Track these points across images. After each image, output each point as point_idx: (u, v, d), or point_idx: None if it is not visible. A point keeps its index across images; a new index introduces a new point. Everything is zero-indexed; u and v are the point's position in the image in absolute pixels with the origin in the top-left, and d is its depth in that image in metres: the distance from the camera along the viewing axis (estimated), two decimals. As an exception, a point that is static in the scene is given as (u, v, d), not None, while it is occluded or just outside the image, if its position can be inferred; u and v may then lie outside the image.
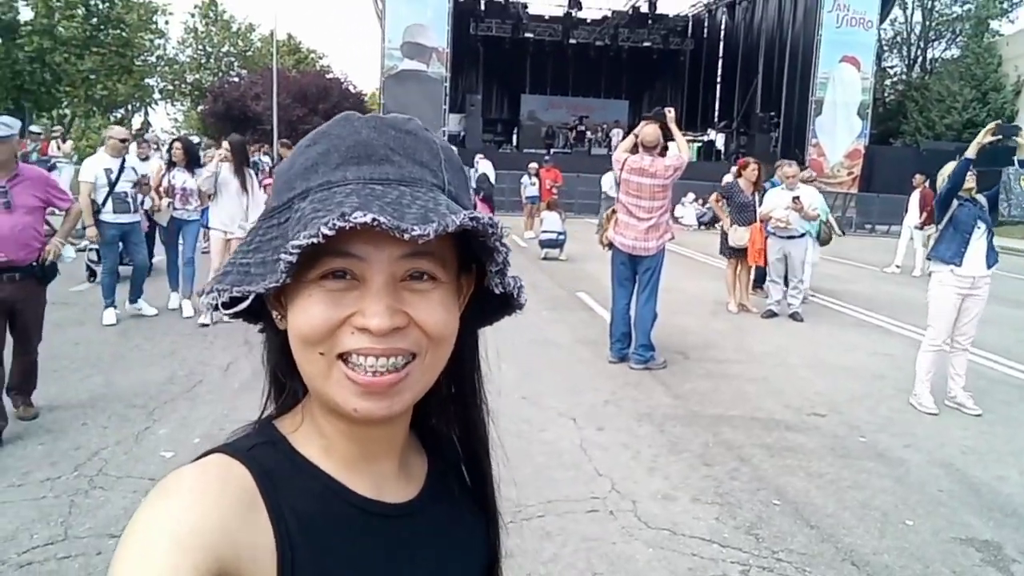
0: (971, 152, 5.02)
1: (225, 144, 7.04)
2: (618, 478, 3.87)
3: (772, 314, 8.26)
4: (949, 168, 5.13)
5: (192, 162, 7.21)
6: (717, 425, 4.73)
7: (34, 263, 4.03)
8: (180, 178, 7.12)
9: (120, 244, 6.59)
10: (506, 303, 0.67)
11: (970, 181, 5.09)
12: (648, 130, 5.94)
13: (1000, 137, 4.95)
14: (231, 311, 0.58)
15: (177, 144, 7.38)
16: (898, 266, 13.03)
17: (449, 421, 0.76)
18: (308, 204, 0.55)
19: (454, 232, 0.53)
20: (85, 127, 38.63)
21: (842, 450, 4.41)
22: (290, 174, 0.60)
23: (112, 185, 6.36)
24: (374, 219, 0.50)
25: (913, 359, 6.65)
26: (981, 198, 5.12)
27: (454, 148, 0.66)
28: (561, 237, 12.28)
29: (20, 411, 4.19)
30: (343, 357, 0.57)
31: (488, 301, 0.67)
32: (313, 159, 0.59)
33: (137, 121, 43.33)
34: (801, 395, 5.43)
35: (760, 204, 8.28)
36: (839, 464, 4.20)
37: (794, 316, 8.16)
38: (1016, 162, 5.00)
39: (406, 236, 0.51)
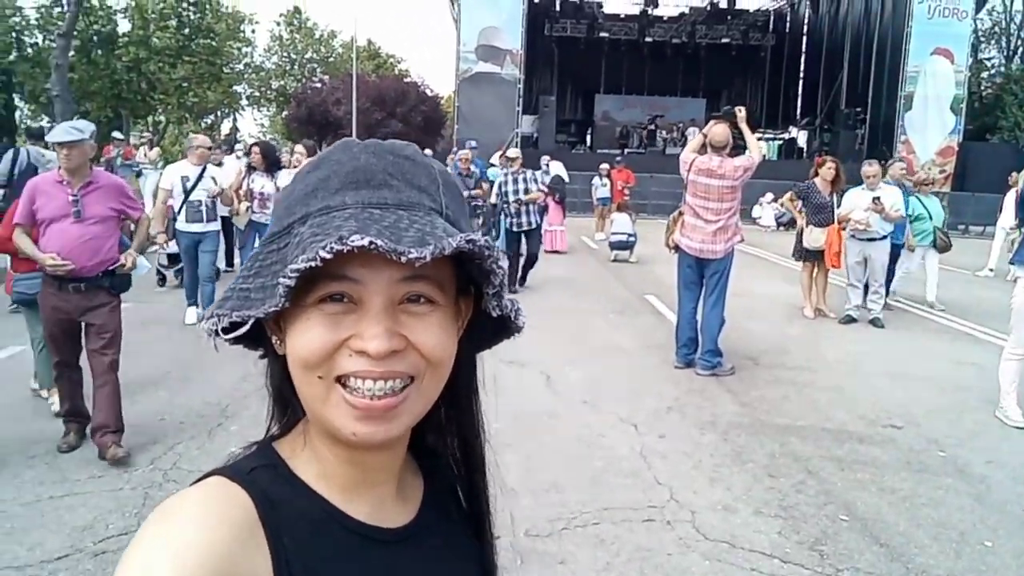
0: None
1: (299, 148, 7.26)
2: (678, 487, 3.81)
3: (851, 320, 7.94)
4: None
5: (272, 166, 7.40)
6: (785, 435, 4.59)
7: (101, 273, 3.85)
8: (259, 182, 7.36)
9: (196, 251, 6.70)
10: (504, 326, 0.66)
11: None
12: (717, 130, 5.81)
13: None
14: (231, 336, 0.59)
15: (255, 148, 7.66)
16: (991, 269, 12.33)
17: (446, 443, 0.76)
18: (307, 229, 0.56)
19: (451, 255, 0.54)
20: (178, 133, 40.59)
21: (918, 465, 4.21)
22: (290, 200, 0.61)
23: (187, 193, 6.46)
24: (371, 242, 0.51)
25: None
26: None
27: (451, 173, 0.67)
28: (631, 239, 12.14)
29: (110, 452, 3.76)
30: (341, 380, 0.57)
31: (486, 325, 0.67)
32: (313, 184, 0.60)
33: (226, 126, 45.28)
34: (877, 406, 5.20)
35: (839, 205, 7.98)
36: (914, 479, 4.00)
37: (874, 322, 7.82)
38: None
39: (403, 259, 0.51)
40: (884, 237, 7.80)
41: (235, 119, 46.27)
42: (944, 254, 8.95)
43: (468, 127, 23.21)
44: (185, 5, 31.44)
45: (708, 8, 33.58)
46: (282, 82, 45.53)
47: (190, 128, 40.29)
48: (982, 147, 27.18)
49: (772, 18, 34.89)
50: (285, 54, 46.81)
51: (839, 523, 3.49)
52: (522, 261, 9.09)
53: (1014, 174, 11.91)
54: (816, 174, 8.29)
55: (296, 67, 46.81)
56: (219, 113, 42.42)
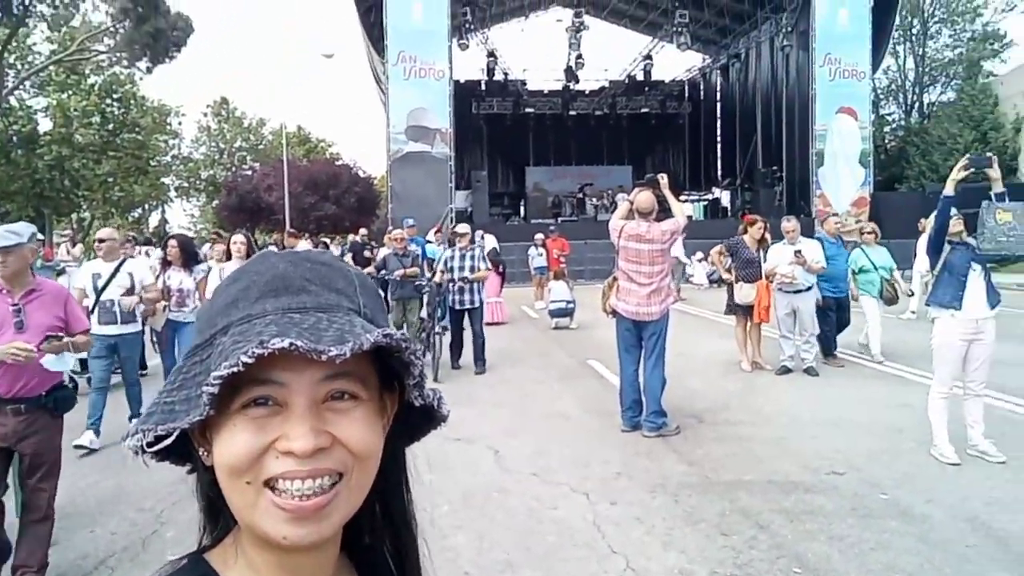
0: (949, 190, 5.03)
1: (238, 238, 6.90)
2: (632, 554, 3.77)
3: (786, 370, 8.16)
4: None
5: (189, 260, 6.85)
6: (733, 491, 4.62)
7: (44, 393, 3.46)
8: (176, 278, 6.75)
9: (114, 357, 6.08)
10: (430, 416, 0.68)
11: (957, 225, 5.08)
12: (642, 197, 6.02)
13: (973, 170, 4.95)
14: (156, 448, 0.59)
15: (172, 242, 7.02)
16: (913, 312, 12.88)
17: (380, 539, 0.75)
18: (229, 338, 0.58)
19: (371, 350, 0.56)
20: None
21: (863, 510, 4.28)
22: (212, 312, 0.63)
23: (99, 292, 5.91)
24: (291, 343, 0.52)
25: (932, 408, 6.54)
26: (972, 240, 5.08)
27: (367, 274, 0.71)
28: (570, 306, 12.30)
29: None
30: (269, 484, 0.57)
31: (412, 417, 0.68)
32: (234, 295, 0.62)
33: (154, 219, 44.53)
34: (818, 454, 5.30)
35: (765, 260, 8.29)
36: (860, 525, 4.06)
37: (808, 371, 8.05)
38: (992, 196, 4.95)
39: (323, 357, 0.53)
40: (809, 288, 8.11)
41: (164, 211, 45.60)
42: (892, 306, 9.14)
43: (402, 206, 23.40)
44: (109, 101, 31.25)
45: (626, 81, 35.24)
46: (211, 171, 45.31)
47: (117, 223, 39.45)
48: (892, 196, 28.81)
49: (687, 87, 36.81)
50: (214, 144, 46.73)
51: (792, 576, 3.50)
52: (476, 343, 8.83)
53: (923, 220, 12.60)
54: (745, 231, 8.63)
55: (225, 156, 46.75)
56: (147, 206, 41.75)
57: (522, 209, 31.76)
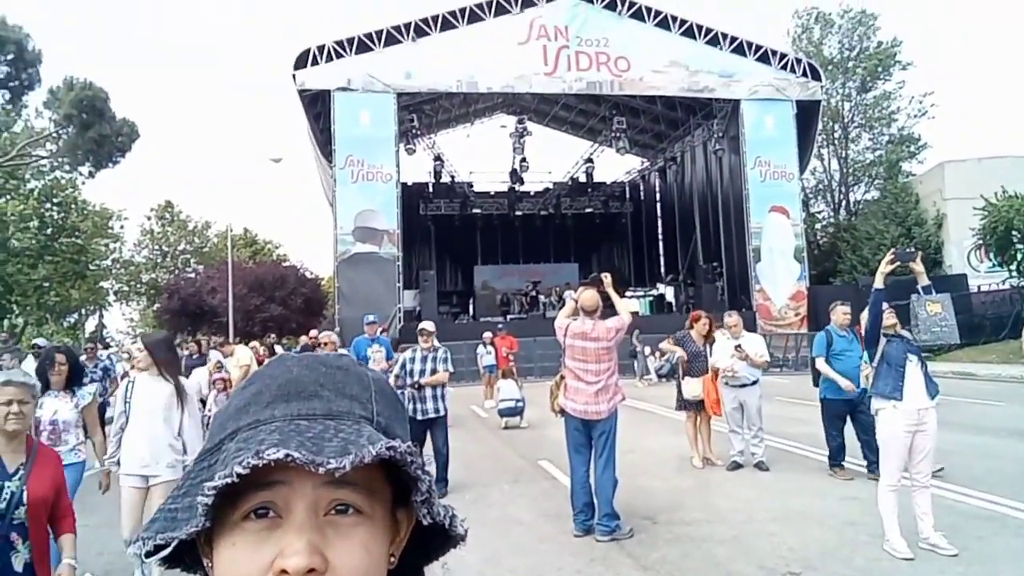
0: (879, 283, 5.17)
1: (138, 345, 5.20)
2: (588, 672, 3.56)
3: (737, 466, 8.12)
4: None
5: (75, 379, 5.10)
6: (690, 596, 4.47)
7: None
8: (50, 407, 4.88)
9: None
10: (446, 535, 0.65)
11: (890, 317, 5.22)
12: (586, 295, 6.08)
13: (899, 263, 5.15)
14: (157, 558, 0.57)
15: (59, 357, 5.05)
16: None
17: None
18: (234, 444, 0.57)
19: (383, 463, 0.55)
20: (38, 334, 38.21)
21: (822, 611, 4.17)
22: (224, 416, 0.62)
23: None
24: (287, 455, 0.51)
25: (882, 501, 6.54)
26: (907, 333, 5.22)
27: (388, 383, 0.68)
28: (520, 404, 12.16)
29: None
30: None
31: (430, 536, 0.65)
32: (246, 400, 0.61)
33: (91, 324, 43.15)
34: (774, 553, 5.20)
35: (711, 354, 8.39)
36: (821, 628, 3.95)
37: (759, 465, 8.03)
38: (919, 289, 5.13)
39: (321, 470, 0.52)
40: (755, 382, 8.20)
41: (101, 316, 44.30)
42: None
43: (349, 306, 23.26)
44: (48, 206, 30.75)
45: (569, 183, 36.51)
46: (153, 275, 44.52)
47: (51, 329, 38.10)
48: (827, 289, 29.84)
49: (627, 188, 38.30)
50: (156, 247, 46.15)
51: None
52: (439, 460, 7.74)
53: (862, 316, 12.89)
54: (691, 327, 8.76)
55: (168, 259, 46.10)
56: (84, 311, 40.52)
57: (471, 307, 31.93)
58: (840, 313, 7.66)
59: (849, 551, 5.18)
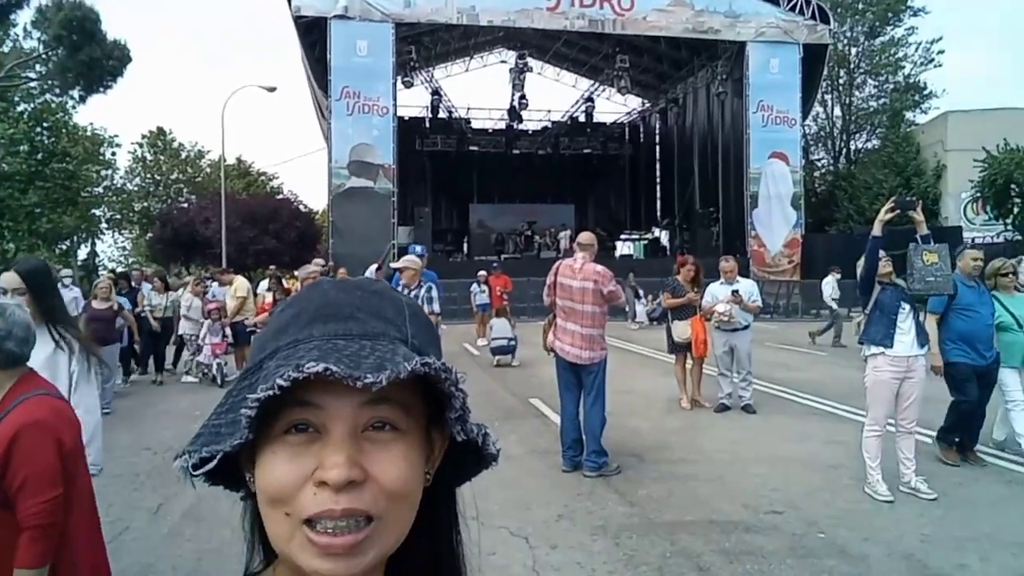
0: (876, 230, 5.15)
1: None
2: (572, 601, 3.67)
3: (725, 408, 8.24)
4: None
5: None
6: (674, 532, 4.58)
7: None
8: None
9: None
10: (479, 455, 0.66)
11: (885, 266, 5.23)
12: (584, 233, 6.11)
13: (899, 212, 5.12)
14: (201, 471, 0.59)
15: None
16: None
17: None
18: (274, 362, 0.59)
19: (412, 379, 0.56)
20: (29, 260, 38.03)
21: (802, 550, 4.28)
22: (264, 338, 0.64)
23: None
24: (326, 368, 0.53)
25: (865, 445, 6.66)
26: (901, 281, 5.22)
27: (421, 307, 0.69)
28: (512, 343, 12.24)
29: None
30: (307, 522, 0.56)
31: (463, 456, 0.67)
32: (285, 321, 0.63)
33: (83, 252, 42.94)
34: (757, 493, 5.32)
35: (701, 298, 8.43)
36: (800, 566, 4.06)
37: (746, 408, 8.15)
38: (918, 238, 5.11)
39: (358, 384, 0.53)
40: (747, 327, 8.25)
41: (93, 244, 44.03)
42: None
43: (343, 241, 23.15)
44: (39, 130, 30.17)
45: (568, 122, 35.93)
46: (145, 204, 44.09)
47: (43, 255, 37.90)
48: (822, 238, 29.87)
49: (627, 129, 37.76)
50: (149, 175, 45.56)
51: (734, 621, 3.45)
52: None
53: (858, 264, 12.90)
54: (678, 271, 8.77)
55: (161, 188, 45.57)
56: (75, 238, 40.24)
57: (465, 246, 31.79)
58: (969, 259, 6.06)
59: (831, 493, 5.30)
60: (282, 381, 0.53)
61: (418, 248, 7.18)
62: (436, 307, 7.26)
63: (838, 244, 28.34)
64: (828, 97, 38.95)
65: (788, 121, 27.01)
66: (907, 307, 5.13)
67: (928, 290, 5.09)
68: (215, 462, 0.58)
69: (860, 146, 40.42)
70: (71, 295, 9.55)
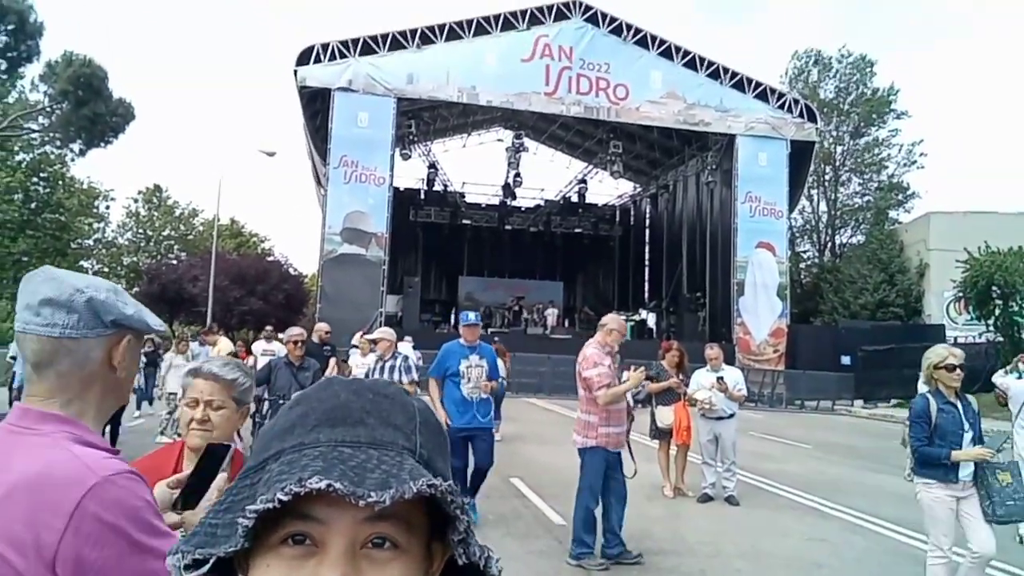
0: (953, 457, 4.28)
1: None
2: None
3: (708, 498, 8.12)
4: (936, 356, 4.40)
5: None
6: (653, 628, 4.44)
7: None
8: None
9: None
10: (482, 574, 0.64)
11: (953, 380, 4.36)
12: (612, 316, 6.17)
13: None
14: (196, 573, 0.57)
15: None
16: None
17: None
18: (277, 465, 0.57)
19: (416, 498, 0.55)
20: (11, 310, 37.66)
21: (784, 653, 4.16)
22: (270, 435, 0.62)
23: None
24: (329, 485, 0.52)
25: (849, 543, 6.57)
26: (970, 397, 4.46)
27: (432, 413, 0.67)
28: (495, 421, 12.10)
29: None
30: None
31: (463, 571, 0.64)
32: (292, 421, 0.62)
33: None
34: (739, 589, 5.20)
35: (686, 384, 8.41)
36: (781, 670, 3.93)
37: (729, 500, 8.03)
38: (988, 460, 4.33)
39: (362, 503, 0.52)
40: (732, 415, 8.22)
41: (79, 295, 43.67)
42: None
43: (331, 306, 23.14)
44: (35, 179, 30.40)
45: (561, 201, 36.64)
46: (135, 258, 44.05)
47: (25, 304, 37.53)
48: (808, 329, 30.17)
49: (618, 212, 38.50)
50: (141, 230, 45.69)
51: None
52: None
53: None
54: (663, 356, 8.79)
55: (152, 244, 45.65)
56: (61, 289, 39.90)
57: (452, 317, 31.80)
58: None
59: (814, 593, 5.18)
60: (282, 496, 0.52)
61: (471, 316, 6.95)
62: (414, 375, 7.23)
63: (824, 336, 28.66)
64: (814, 192, 40.06)
65: (775, 213, 27.66)
66: (971, 431, 4.33)
67: (1010, 515, 4.31)
68: (208, 566, 0.57)
69: (845, 240, 41.35)
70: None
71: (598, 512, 5.73)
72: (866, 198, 40.67)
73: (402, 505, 0.55)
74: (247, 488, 0.58)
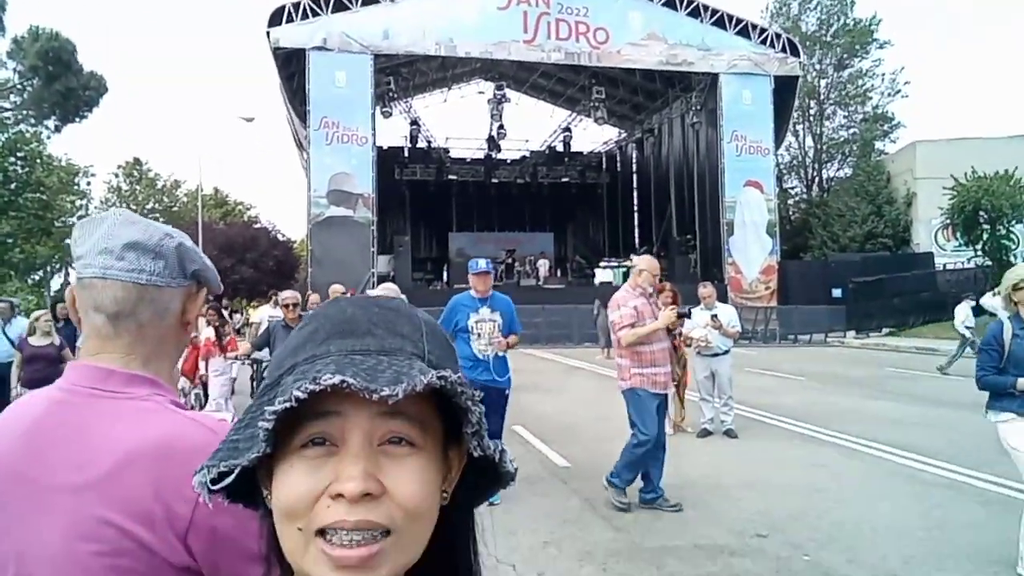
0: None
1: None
2: (561, 628, 3.65)
3: (707, 433, 8.28)
4: (1015, 276, 4.05)
5: None
6: (661, 557, 4.58)
7: None
8: None
9: None
10: (497, 474, 0.66)
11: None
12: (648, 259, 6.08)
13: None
14: (220, 487, 0.59)
15: None
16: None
17: None
18: (291, 377, 0.59)
19: (434, 398, 0.58)
20: (0, 291, 37.41)
21: (787, 572, 4.30)
22: (283, 354, 0.64)
23: None
24: (343, 380, 0.53)
25: (847, 467, 6.73)
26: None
27: (439, 324, 0.69)
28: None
29: None
30: (320, 533, 0.57)
31: (481, 474, 0.66)
32: (303, 338, 0.63)
33: (56, 282, 42.29)
34: (742, 517, 5.34)
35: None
36: (786, 588, 4.07)
37: (728, 433, 8.19)
38: None
39: (375, 396, 0.53)
40: (727, 352, 8.33)
41: (67, 273, 43.39)
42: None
43: (322, 270, 23.08)
44: (12, 160, 29.85)
45: (547, 151, 36.32)
46: (121, 234, 43.62)
47: (15, 286, 37.30)
48: (798, 264, 30.33)
49: (604, 159, 38.22)
50: (124, 205, 45.15)
51: (723, 644, 3.45)
52: None
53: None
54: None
55: (137, 218, 45.17)
56: (48, 269, 39.64)
57: (445, 274, 31.80)
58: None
59: (815, 516, 5.34)
60: (299, 392, 0.53)
61: (481, 263, 6.14)
62: None
63: (814, 270, 28.84)
64: (800, 127, 39.84)
65: (761, 151, 27.55)
66: None
67: None
68: (233, 476, 0.58)
69: (832, 175, 41.32)
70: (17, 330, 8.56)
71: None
72: (851, 131, 40.50)
73: (415, 404, 0.58)
74: (265, 403, 0.59)
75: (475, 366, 5.81)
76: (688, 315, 6.32)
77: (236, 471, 0.58)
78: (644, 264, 5.81)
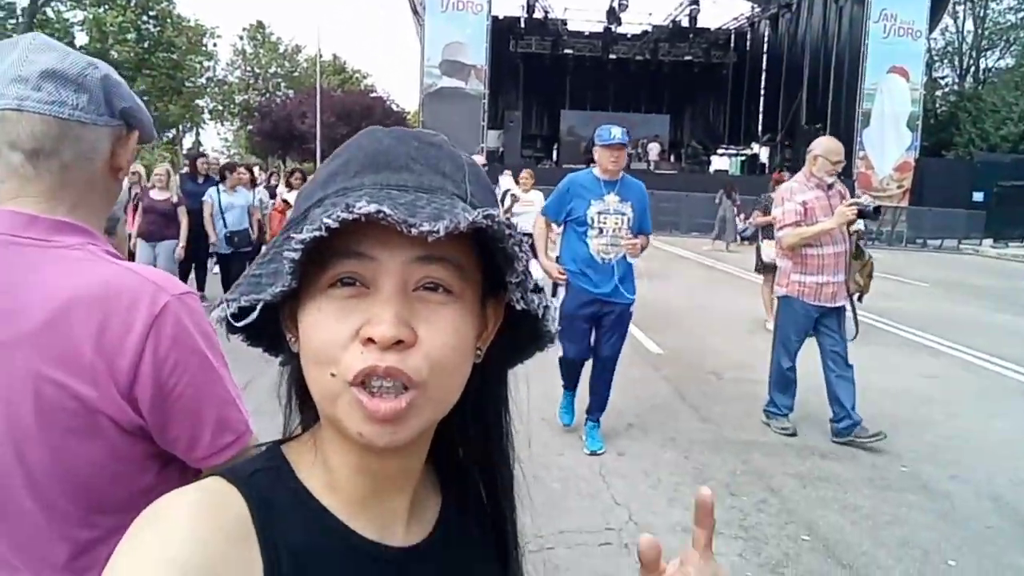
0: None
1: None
2: (636, 508, 3.67)
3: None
4: None
5: None
6: (747, 451, 4.49)
7: None
8: None
9: None
10: (536, 333, 0.62)
11: None
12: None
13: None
14: (242, 323, 0.56)
15: None
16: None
17: (473, 458, 0.71)
18: (320, 209, 0.55)
19: (476, 243, 0.54)
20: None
21: (881, 481, 4.13)
22: (311, 187, 0.60)
23: None
24: (379, 210, 0.48)
25: (963, 380, 6.32)
26: None
27: (482, 167, 0.63)
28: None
29: None
30: (356, 383, 0.53)
31: (518, 335, 0.63)
32: (334, 169, 0.58)
33: (188, 141, 44.65)
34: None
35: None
36: (877, 497, 3.91)
37: (836, 335, 7.81)
38: None
39: (413, 231, 0.49)
40: (844, 250, 7.81)
41: (198, 133, 45.66)
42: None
43: (433, 142, 23.10)
44: (145, 18, 30.97)
45: (670, 26, 34.06)
46: (245, 96, 45.13)
47: (152, 143, 39.68)
48: (938, 163, 27.85)
49: (733, 36, 35.51)
50: (248, 68, 46.42)
51: (800, 544, 3.37)
52: None
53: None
54: (774, 188, 8.31)
55: (260, 81, 46.45)
56: (180, 128, 41.77)
57: (555, 153, 31.27)
58: None
59: (919, 427, 5.07)
60: (330, 221, 0.48)
61: (616, 132, 4.57)
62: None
63: (957, 170, 26.41)
64: (960, 8, 35.42)
65: (912, 33, 24.72)
66: None
67: None
68: (256, 312, 0.54)
69: (991, 65, 36.93)
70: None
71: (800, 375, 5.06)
72: (1021, 14, 35.66)
73: (455, 248, 0.53)
74: (293, 234, 0.54)
75: (592, 273, 4.35)
76: (877, 213, 4.89)
77: (259, 307, 0.54)
78: (820, 148, 4.66)
